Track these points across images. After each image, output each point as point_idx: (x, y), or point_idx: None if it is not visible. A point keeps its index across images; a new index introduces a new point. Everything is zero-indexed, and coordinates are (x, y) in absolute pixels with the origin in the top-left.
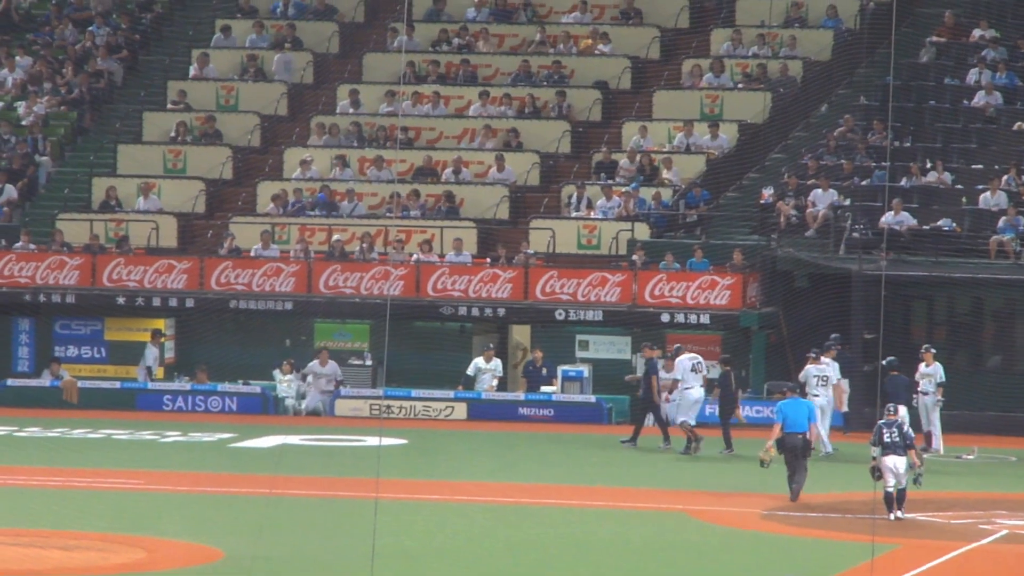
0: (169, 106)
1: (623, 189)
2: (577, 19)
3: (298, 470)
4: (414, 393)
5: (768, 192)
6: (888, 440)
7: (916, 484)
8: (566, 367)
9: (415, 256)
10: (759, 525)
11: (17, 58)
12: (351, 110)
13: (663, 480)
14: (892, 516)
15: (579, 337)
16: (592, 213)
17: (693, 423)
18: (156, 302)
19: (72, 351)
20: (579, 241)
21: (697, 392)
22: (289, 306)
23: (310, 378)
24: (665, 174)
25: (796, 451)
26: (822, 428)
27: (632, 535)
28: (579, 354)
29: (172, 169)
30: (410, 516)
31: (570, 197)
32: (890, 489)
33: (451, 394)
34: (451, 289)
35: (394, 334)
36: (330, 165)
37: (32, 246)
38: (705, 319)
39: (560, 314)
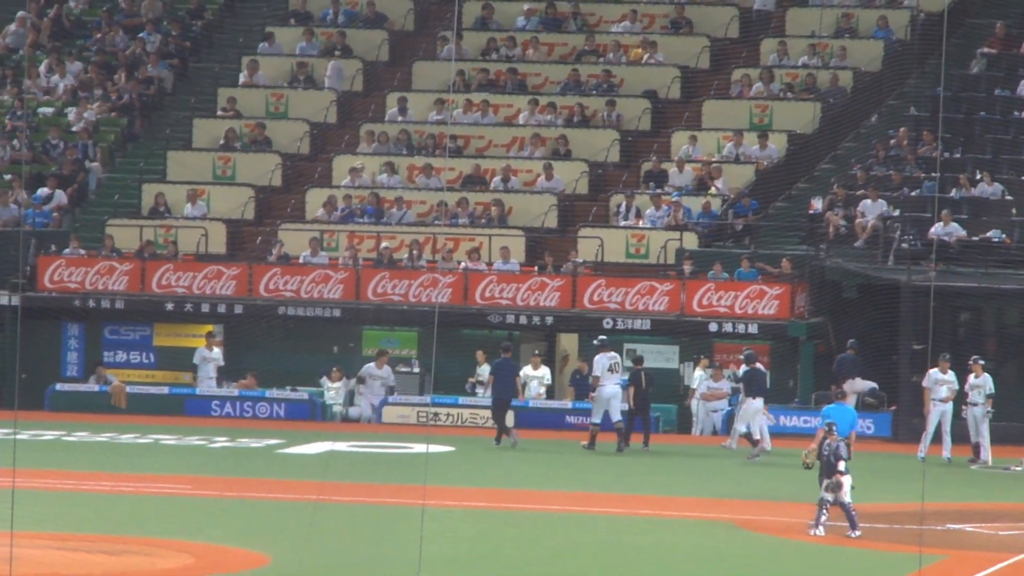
0: (219, 113)
1: (672, 198)
2: (627, 28)
3: (345, 476)
4: (461, 400)
5: (817, 202)
6: (828, 459)
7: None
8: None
9: (463, 264)
10: (806, 535)
11: (68, 64)
12: (400, 118)
13: (711, 489)
14: (815, 531)
15: (627, 346)
16: (641, 222)
17: (617, 416)
18: (205, 308)
19: (121, 356)
20: (627, 250)
21: (611, 389)
22: (337, 313)
23: (367, 380)
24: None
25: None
26: (753, 426)
27: (680, 544)
28: (627, 363)
29: (221, 176)
30: (457, 523)
31: (619, 206)
32: (830, 500)
33: None
34: (499, 297)
35: (442, 342)
36: (379, 173)
37: (82, 252)
38: (753, 329)
39: (608, 323)
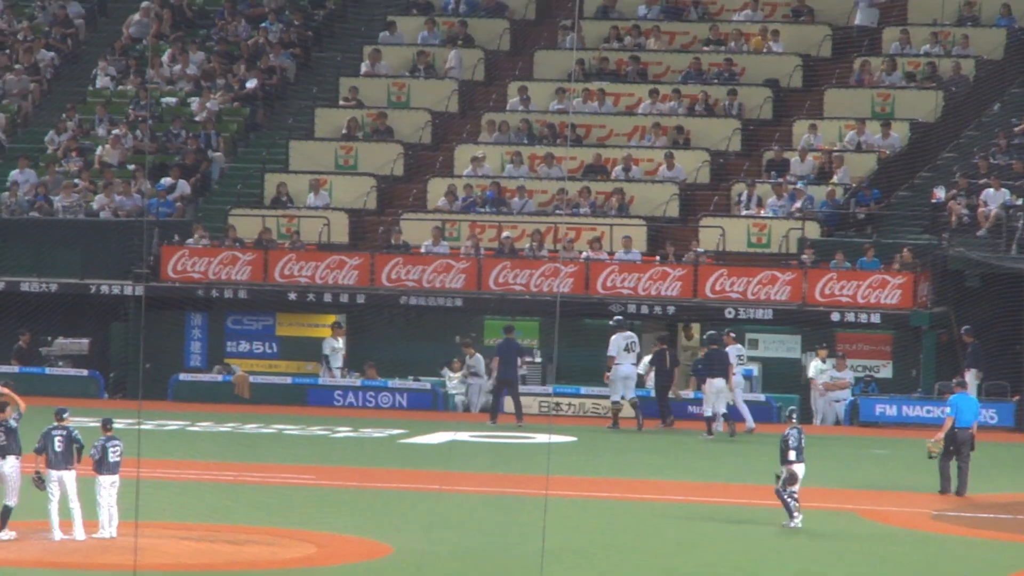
0: (341, 102)
1: (795, 187)
2: (748, 17)
3: (467, 467)
4: (583, 390)
5: (939, 191)
6: (798, 446)
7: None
8: None
9: (585, 253)
10: (930, 525)
11: (191, 54)
12: (521, 107)
13: (833, 479)
14: (794, 523)
15: (749, 336)
16: (762, 211)
17: (631, 394)
18: (327, 298)
19: (244, 346)
20: (749, 239)
21: (626, 369)
22: (459, 303)
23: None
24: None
25: (965, 445)
26: (720, 407)
27: (802, 535)
28: (749, 353)
29: (343, 165)
30: (579, 513)
31: (740, 195)
32: (796, 492)
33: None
34: (620, 287)
35: (563, 331)
36: (501, 162)
37: (205, 241)
38: (876, 318)
39: (730, 312)
